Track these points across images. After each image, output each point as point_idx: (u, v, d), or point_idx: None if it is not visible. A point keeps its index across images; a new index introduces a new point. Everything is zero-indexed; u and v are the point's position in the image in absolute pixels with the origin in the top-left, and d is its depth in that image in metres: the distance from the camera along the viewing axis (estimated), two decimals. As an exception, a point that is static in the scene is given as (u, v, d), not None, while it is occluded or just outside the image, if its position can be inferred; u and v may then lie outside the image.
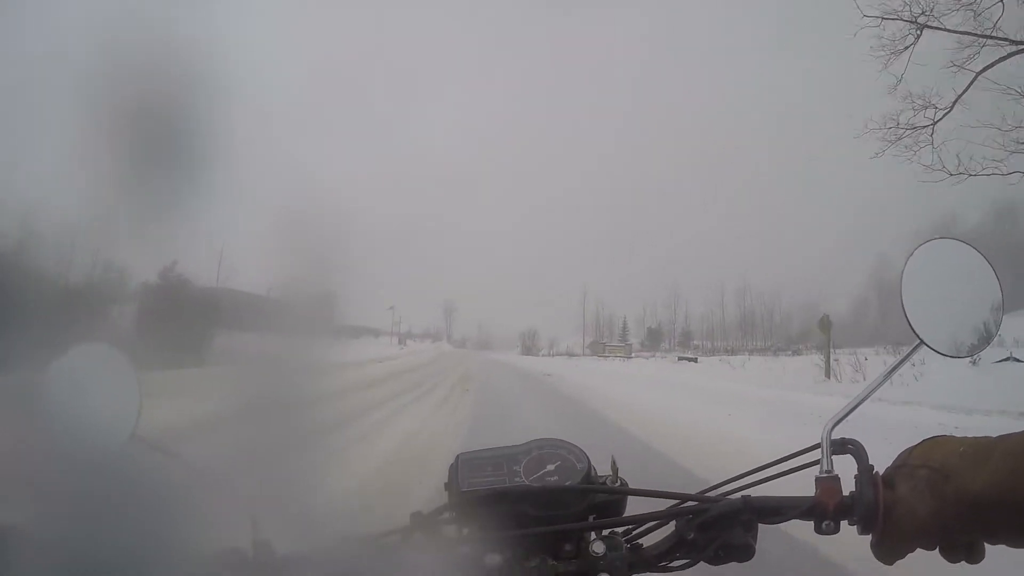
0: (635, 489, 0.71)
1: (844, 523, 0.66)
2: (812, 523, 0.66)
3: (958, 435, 0.66)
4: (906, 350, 0.72)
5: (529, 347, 73.18)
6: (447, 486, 0.71)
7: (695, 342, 62.60)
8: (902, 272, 0.70)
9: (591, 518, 0.69)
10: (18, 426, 0.69)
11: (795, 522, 0.67)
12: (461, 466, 0.71)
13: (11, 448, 0.66)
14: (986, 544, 0.63)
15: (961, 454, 0.63)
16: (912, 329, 0.69)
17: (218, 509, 0.69)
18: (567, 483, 0.69)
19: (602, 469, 0.73)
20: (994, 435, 0.63)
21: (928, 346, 0.69)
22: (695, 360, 44.08)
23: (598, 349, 66.47)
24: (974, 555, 0.64)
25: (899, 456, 0.68)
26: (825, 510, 0.65)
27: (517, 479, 0.69)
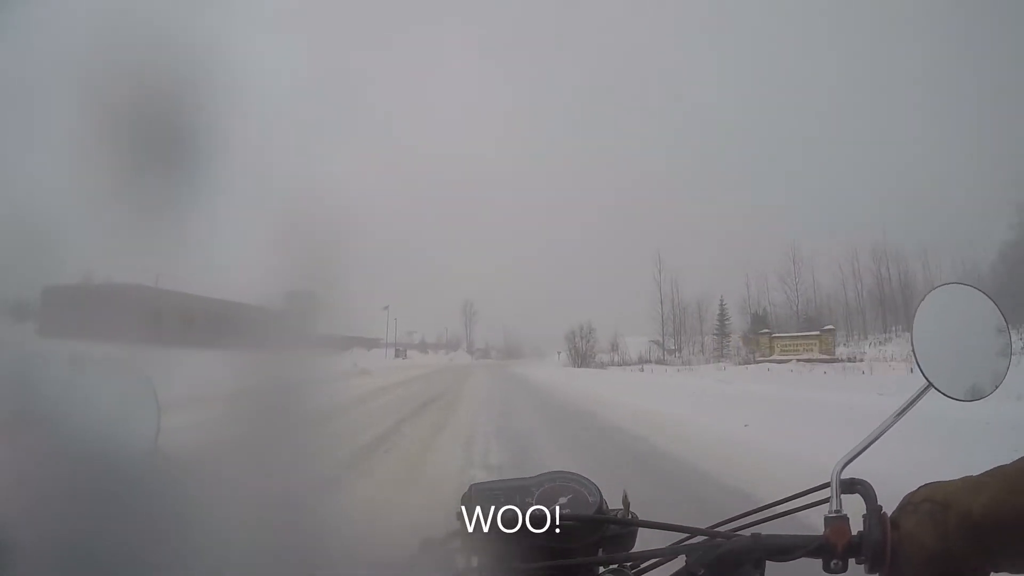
0: (646, 521, 0.71)
1: (852, 562, 0.67)
2: (820, 561, 0.67)
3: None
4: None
5: (583, 353, 42.53)
6: (459, 516, 0.71)
7: (828, 326, 36.68)
8: (914, 315, 0.72)
9: (601, 551, 0.70)
10: (39, 440, 0.70)
11: (803, 560, 0.67)
12: (473, 496, 0.71)
13: (32, 461, 0.67)
14: None
15: (960, 486, 0.65)
16: (921, 372, 0.70)
17: (232, 526, 0.69)
18: (578, 513, 0.70)
19: (613, 503, 0.73)
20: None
21: (936, 389, 0.71)
22: None
23: (760, 345, 36.52)
24: None
25: (904, 498, 0.69)
26: (834, 549, 0.65)
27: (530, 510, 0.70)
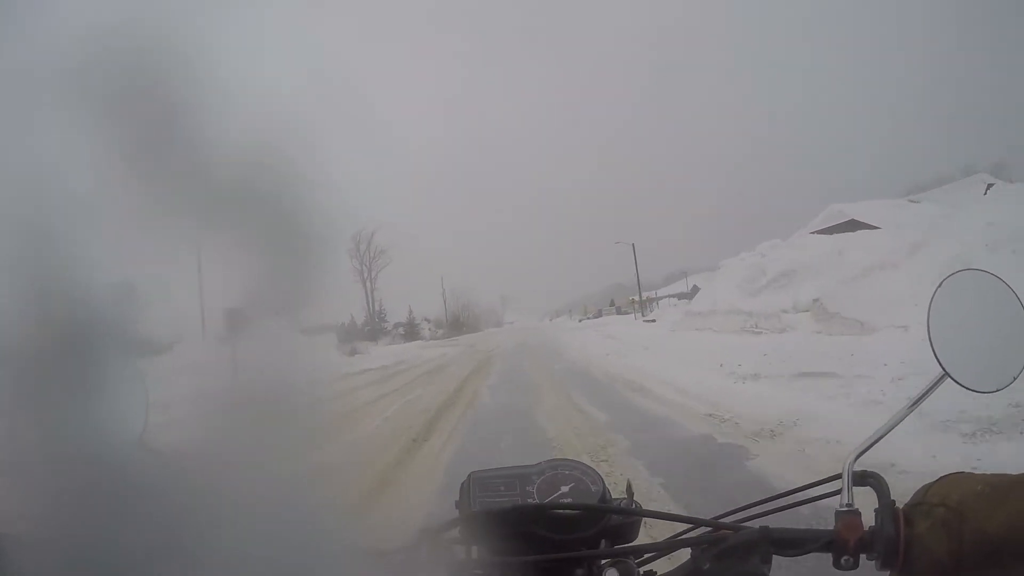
0: (650, 511, 0.69)
1: (863, 558, 0.64)
2: (831, 556, 0.65)
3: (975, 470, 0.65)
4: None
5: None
6: (458, 504, 0.69)
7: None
8: (930, 303, 0.69)
9: (604, 543, 0.68)
10: (23, 429, 0.68)
11: (812, 555, 0.65)
12: (473, 484, 0.70)
13: (16, 452, 0.65)
14: None
15: (978, 493, 0.62)
16: (938, 361, 0.68)
17: (222, 516, 0.68)
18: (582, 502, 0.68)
19: (616, 493, 0.71)
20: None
21: (952, 379, 0.68)
22: None
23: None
24: None
25: (917, 492, 0.66)
26: (845, 544, 0.63)
27: (530, 500, 0.68)
